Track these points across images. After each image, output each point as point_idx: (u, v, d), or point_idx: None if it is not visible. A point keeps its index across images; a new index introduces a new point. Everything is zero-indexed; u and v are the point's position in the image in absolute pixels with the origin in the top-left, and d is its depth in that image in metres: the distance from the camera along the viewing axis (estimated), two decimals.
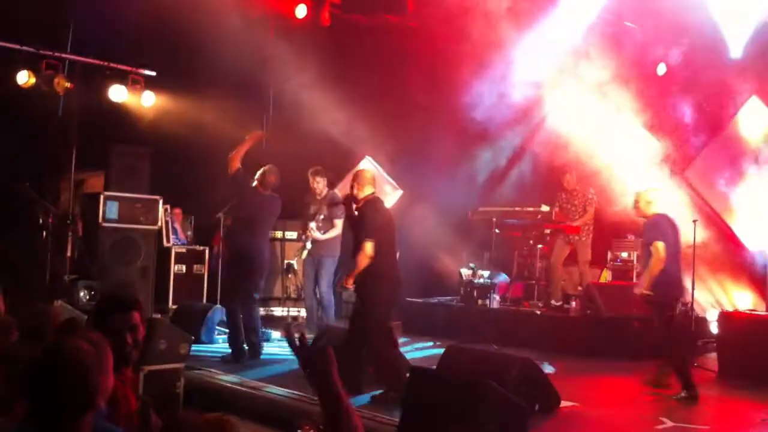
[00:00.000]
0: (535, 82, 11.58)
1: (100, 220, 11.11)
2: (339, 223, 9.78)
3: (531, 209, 10.91)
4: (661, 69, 11.04)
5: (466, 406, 5.03)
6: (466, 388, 5.35)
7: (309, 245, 9.94)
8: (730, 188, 10.77)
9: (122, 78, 11.67)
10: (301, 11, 12.11)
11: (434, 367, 6.78)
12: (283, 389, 6.91)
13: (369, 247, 6.68)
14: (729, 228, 10.66)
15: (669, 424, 6.22)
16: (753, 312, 8.81)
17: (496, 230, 11.34)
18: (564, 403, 6.56)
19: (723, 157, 10.96)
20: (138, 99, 11.80)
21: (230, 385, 7.23)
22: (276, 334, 9.97)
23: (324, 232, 9.88)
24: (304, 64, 12.29)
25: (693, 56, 10.56)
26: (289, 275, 11.66)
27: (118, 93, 11.58)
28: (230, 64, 11.32)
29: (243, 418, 6.03)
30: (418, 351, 9.48)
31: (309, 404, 6.36)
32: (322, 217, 9.84)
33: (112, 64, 11.56)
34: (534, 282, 11.60)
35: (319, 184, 9.95)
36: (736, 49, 10.24)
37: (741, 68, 10.25)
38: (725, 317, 8.91)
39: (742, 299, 9.17)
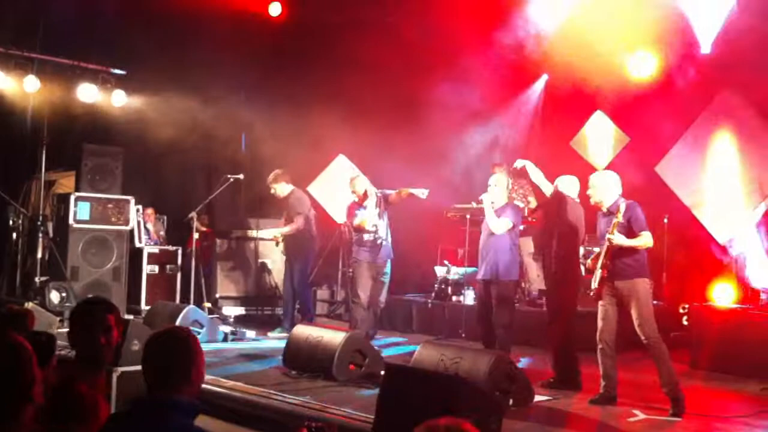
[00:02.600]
0: (507, 80, 11.62)
1: (71, 220, 11.01)
2: (298, 219, 10.15)
3: None
4: (635, 64, 11.08)
5: (441, 402, 5.03)
6: (441, 384, 5.37)
7: (281, 243, 10.44)
8: (700, 182, 10.86)
9: (93, 77, 11.57)
10: (275, 9, 12.10)
11: (409, 363, 6.80)
12: (257, 387, 6.88)
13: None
14: (699, 222, 10.75)
15: (641, 416, 6.29)
16: (723, 305, 8.90)
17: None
18: (537, 398, 6.60)
19: (693, 151, 11.05)
20: (109, 98, 11.71)
21: (205, 384, 7.18)
22: (251, 334, 9.94)
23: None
24: (277, 62, 12.27)
25: (664, 51, 10.63)
26: (263, 274, 11.65)
27: (88, 92, 11.47)
28: (202, 62, 11.28)
29: (217, 417, 6.01)
30: (394, 347, 9.50)
31: (285, 403, 6.36)
32: (283, 217, 10.46)
33: (82, 64, 11.47)
34: None
35: (275, 190, 10.29)
36: (706, 44, 10.33)
37: (711, 63, 10.33)
38: (696, 310, 9.01)
39: (713, 292, 9.26)
